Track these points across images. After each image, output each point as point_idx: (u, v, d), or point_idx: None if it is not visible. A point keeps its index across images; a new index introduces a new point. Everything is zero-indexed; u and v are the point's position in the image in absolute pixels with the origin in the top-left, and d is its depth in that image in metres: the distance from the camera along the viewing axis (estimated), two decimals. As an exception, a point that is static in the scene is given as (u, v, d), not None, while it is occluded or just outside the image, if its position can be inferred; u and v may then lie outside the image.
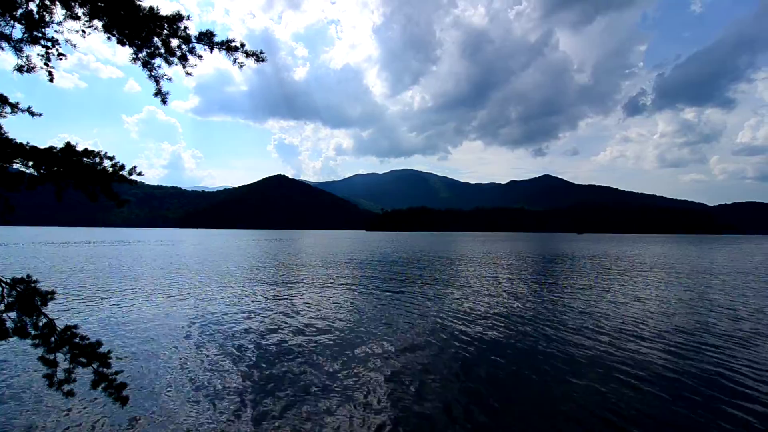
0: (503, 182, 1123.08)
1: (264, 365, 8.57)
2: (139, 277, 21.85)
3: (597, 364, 8.82)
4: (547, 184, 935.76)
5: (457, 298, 16.39)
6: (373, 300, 16.05)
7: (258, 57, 4.98)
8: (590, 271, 27.29)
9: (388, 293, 17.39)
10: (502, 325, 12.22)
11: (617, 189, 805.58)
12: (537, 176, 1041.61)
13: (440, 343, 10.23)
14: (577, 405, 6.88)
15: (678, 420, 6.42)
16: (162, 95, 4.88)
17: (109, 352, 4.13)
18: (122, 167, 4.27)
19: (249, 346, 9.87)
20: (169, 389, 7.33)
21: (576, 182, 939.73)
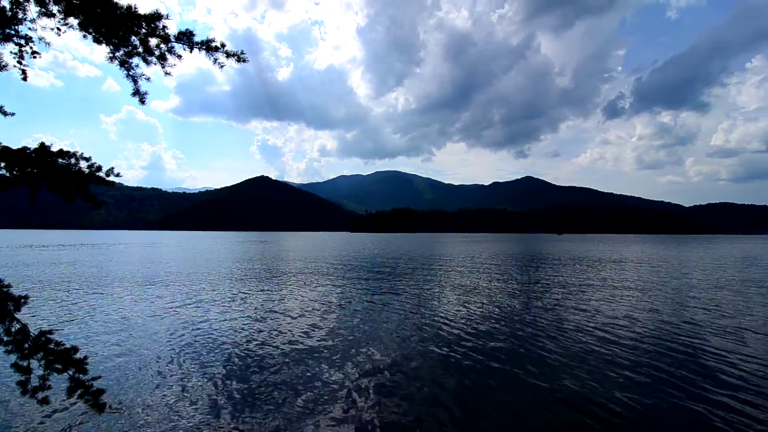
0: (486, 183, 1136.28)
1: (247, 369, 8.49)
2: (117, 280, 21.50)
3: (580, 361, 9.10)
4: (529, 185, 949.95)
5: (442, 299, 16.57)
6: (357, 302, 16.03)
7: (239, 57, 4.92)
8: (570, 271, 28.20)
9: (372, 295, 17.66)
10: (487, 324, 12.45)
11: (597, 190, 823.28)
12: (519, 178, 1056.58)
13: (425, 344, 10.35)
14: (561, 402, 7.02)
15: (662, 414, 6.56)
16: (140, 95, 4.81)
17: (86, 358, 3.98)
18: (99, 168, 4.17)
19: (231, 351, 9.77)
20: (148, 395, 7.25)
21: (557, 183, 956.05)
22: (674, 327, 12.17)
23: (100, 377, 7.30)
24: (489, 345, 10.25)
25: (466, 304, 15.44)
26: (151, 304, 15.40)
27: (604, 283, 21.78)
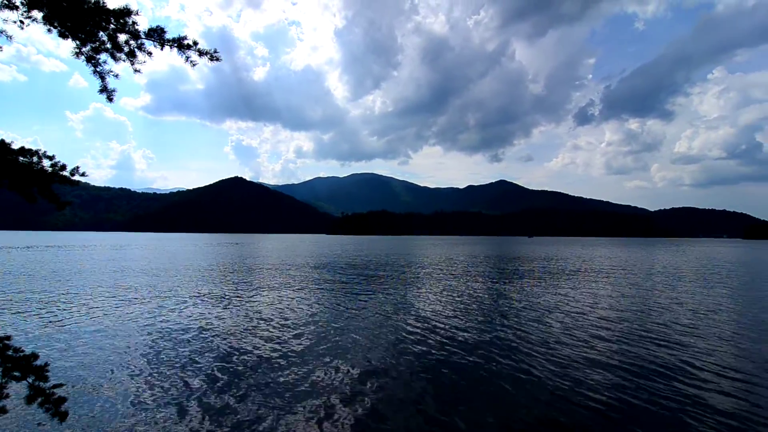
0: (461, 187, 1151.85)
1: (217, 374, 8.25)
2: (80, 283, 20.79)
3: (552, 359, 9.31)
4: (503, 189, 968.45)
5: (417, 301, 16.97)
6: (332, 304, 15.92)
7: (212, 56, 4.81)
8: (538, 272, 29.37)
9: (348, 297, 17.58)
10: (461, 325, 12.59)
11: (568, 194, 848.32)
12: (493, 181, 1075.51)
13: (401, 345, 10.34)
14: (534, 401, 7.13)
15: (631, 410, 6.73)
16: (108, 92, 4.66)
17: (47, 364, 3.41)
18: (63, 167, 4.02)
19: (201, 355, 9.43)
20: (114, 402, 6.97)
21: (530, 187, 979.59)
22: (641, 324, 12.96)
23: (62, 385, 7.28)
24: (464, 345, 10.37)
25: (441, 306, 15.75)
26: (118, 309, 14.83)
27: (572, 284, 22.75)
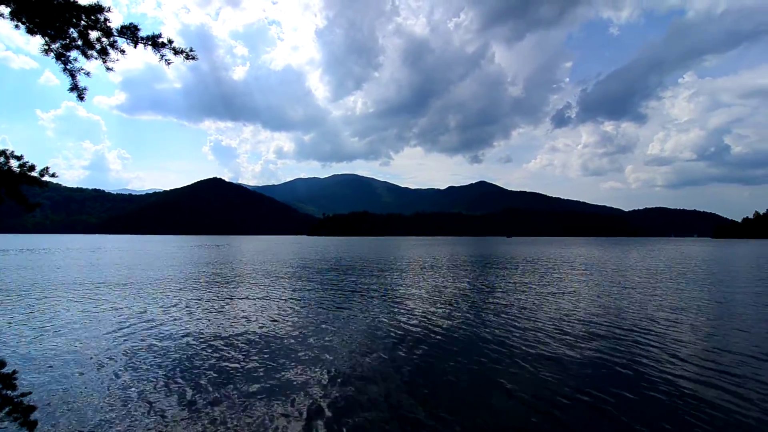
0: (442, 188, 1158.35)
1: (196, 379, 8.04)
2: (49, 288, 20.04)
3: (530, 357, 9.50)
4: (483, 189, 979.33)
5: (398, 302, 16.78)
6: (313, 305, 15.92)
7: (188, 55, 4.60)
8: (515, 272, 30.32)
9: (328, 300, 17.43)
10: (439, 324, 12.79)
11: (546, 195, 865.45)
12: (473, 182, 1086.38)
13: (378, 347, 10.36)
14: (512, 399, 7.20)
15: (605, 408, 6.83)
16: (79, 91, 4.41)
17: (14, 372, 3.45)
18: (32, 168, 3.90)
19: (179, 360, 9.18)
20: (86, 410, 6.73)
21: (509, 188, 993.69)
22: (616, 321, 13.02)
23: (30, 393, 7.08)
24: (443, 346, 10.50)
25: (421, 307, 15.93)
26: (90, 314, 14.23)
27: (547, 283, 23.57)
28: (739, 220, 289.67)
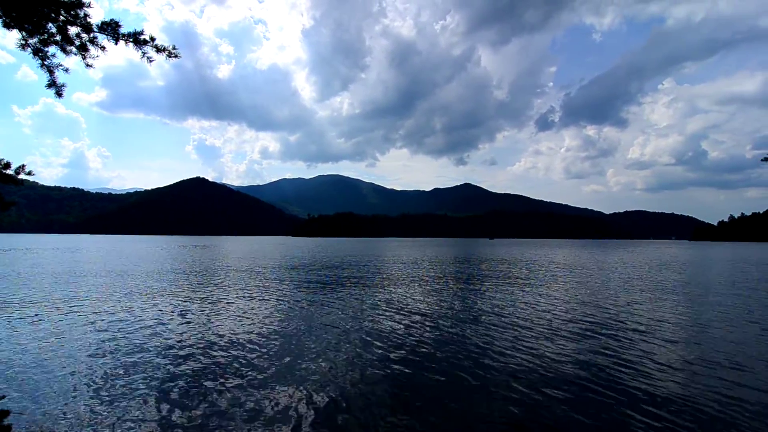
0: (428, 189, 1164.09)
1: (176, 383, 7.79)
2: (24, 288, 19.53)
3: (511, 357, 9.57)
4: (468, 192, 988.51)
5: (378, 303, 16.80)
6: (296, 308, 15.65)
7: (171, 53, 4.53)
8: (495, 273, 30.78)
9: (313, 301, 17.20)
10: (422, 328, 12.72)
11: (529, 197, 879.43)
12: (459, 184, 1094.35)
13: (365, 349, 10.27)
14: (493, 400, 7.21)
15: (583, 411, 6.81)
16: (57, 87, 4.31)
17: None
18: (8, 165, 3.82)
19: (159, 363, 8.94)
20: (60, 415, 6.47)
21: (494, 191, 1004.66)
22: (595, 321, 13.58)
23: (3, 397, 7.00)
24: (425, 348, 10.48)
25: (402, 307, 15.99)
26: (66, 315, 13.93)
27: (530, 284, 23.87)
28: (716, 224, 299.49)
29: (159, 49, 4.43)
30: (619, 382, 8.09)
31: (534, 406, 7.01)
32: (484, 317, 14.62)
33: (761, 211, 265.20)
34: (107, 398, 7.11)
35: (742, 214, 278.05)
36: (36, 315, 14.06)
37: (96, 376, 8.14)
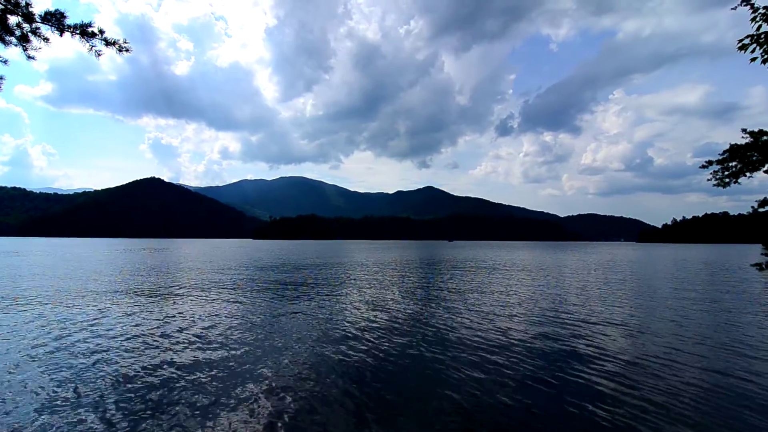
0: (391, 192, 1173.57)
1: (134, 391, 7.45)
2: None
3: (471, 358, 9.59)
4: (430, 194, 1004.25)
5: (339, 305, 17.04)
6: (257, 313, 15.04)
7: (121, 47, 4.27)
8: (454, 274, 32.24)
9: (274, 305, 16.74)
10: (384, 328, 12.75)
11: (489, 201, 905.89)
12: (421, 187, 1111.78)
13: (329, 350, 10.20)
14: (456, 400, 7.22)
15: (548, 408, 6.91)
16: None
17: None
18: None
19: (113, 371, 8.45)
20: (15, 425, 6.15)
21: (455, 194, 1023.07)
22: (550, 319, 14.03)
23: None
24: (386, 348, 10.53)
25: (366, 310, 16.00)
26: (10, 317, 13.59)
27: (487, 284, 25.32)
28: (660, 226, 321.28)
29: (109, 42, 4.10)
30: (571, 374, 8.44)
31: (490, 401, 7.17)
32: (440, 313, 15.06)
33: (700, 215, 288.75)
34: (48, 405, 6.87)
35: (684, 217, 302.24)
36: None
37: (39, 382, 7.79)
